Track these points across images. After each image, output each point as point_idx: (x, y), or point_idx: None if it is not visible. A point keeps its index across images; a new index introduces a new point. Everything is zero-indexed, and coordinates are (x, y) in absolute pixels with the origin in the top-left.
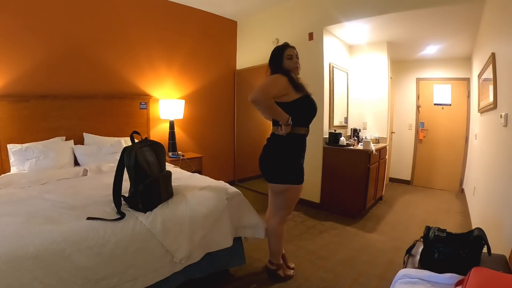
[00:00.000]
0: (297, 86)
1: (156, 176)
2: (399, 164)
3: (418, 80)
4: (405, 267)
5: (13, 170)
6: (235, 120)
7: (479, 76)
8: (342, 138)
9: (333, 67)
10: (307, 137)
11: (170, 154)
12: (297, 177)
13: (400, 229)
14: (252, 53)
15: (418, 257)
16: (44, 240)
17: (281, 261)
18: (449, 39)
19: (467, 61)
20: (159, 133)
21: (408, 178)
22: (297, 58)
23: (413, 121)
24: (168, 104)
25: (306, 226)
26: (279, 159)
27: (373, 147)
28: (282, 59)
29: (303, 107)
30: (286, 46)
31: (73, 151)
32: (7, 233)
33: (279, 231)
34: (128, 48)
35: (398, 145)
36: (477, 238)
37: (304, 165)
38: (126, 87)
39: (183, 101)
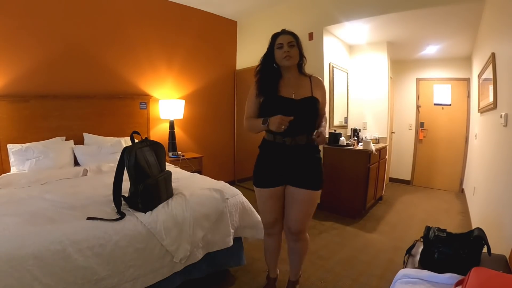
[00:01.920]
0: (260, 89)
1: (156, 176)
2: (399, 164)
3: (418, 80)
4: (405, 267)
5: (13, 170)
6: (235, 120)
7: (479, 76)
8: (342, 138)
9: (333, 67)
10: (284, 145)
11: (170, 154)
12: (256, 179)
13: (400, 229)
14: (252, 53)
15: (418, 257)
16: (44, 240)
17: (275, 275)
18: (449, 39)
19: (467, 61)
20: (159, 133)
21: (408, 178)
22: (291, 45)
23: (413, 121)
24: (168, 104)
25: None
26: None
27: (373, 147)
28: (273, 50)
29: (264, 110)
30: (278, 34)
31: (73, 151)
32: (7, 233)
33: (264, 242)
34: (128, 48)
35: (398, 145)
36: (477, 238)
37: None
38: (126, 87)
39: (183, 101)
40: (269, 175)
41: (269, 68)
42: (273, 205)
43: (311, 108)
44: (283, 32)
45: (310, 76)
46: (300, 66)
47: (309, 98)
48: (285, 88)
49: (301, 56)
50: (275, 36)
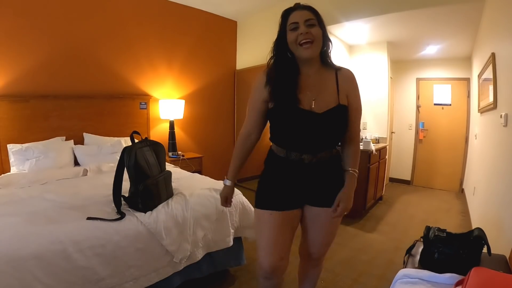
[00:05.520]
0: (274, 94)
1: (156, 176)
2: (399, 164)
3: (418, 80)
4: (405, 267)
5: (13, 170)
6: (235, 120)
7: (479, 76)
8: None
9: None
10: (301, 163)
11: (170, 154)
12: (260, 199)
13: (400, 229)
14: (252, 53)
15: (418, 257)
16: (44, 240)
17: None
18: (449, 39)
19: (467, 61)
20: (159, 133)
21: (408, 178)
22: (310, 25)
23: (413, 121)
24: (168, 104)
25: None
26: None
27: (373, 147)
28: (285, 32)
29: (275, 121)
30: (290, 9)
31: (73, 151)
32: (7, 233)
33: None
34: (128, 48)
35: (398, 145)
36: (477, 238)
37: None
38: (126, 87)
39: (183, 101)
40: (282, 194)
41: (284, 62)
42: (283, 236)
43: (338, 123)
44: (298, 6)
45: (336, 70)
46: (324, 55)
47: (335, 110)
48: (304, 91)
49: (326, 39)
50: (286, 14)
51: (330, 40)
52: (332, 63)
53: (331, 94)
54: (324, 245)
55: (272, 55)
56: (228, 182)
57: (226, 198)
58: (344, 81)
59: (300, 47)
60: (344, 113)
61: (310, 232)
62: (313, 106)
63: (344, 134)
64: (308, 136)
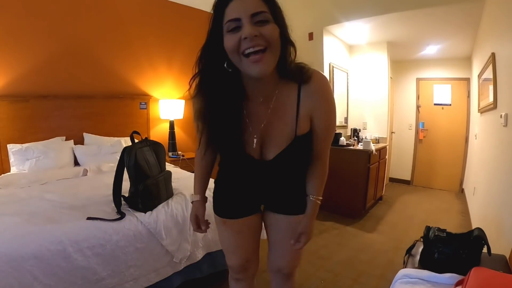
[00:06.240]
0: (211, 132)
1: (156, 176)
2: (399, 164)
3: (418, 80)
4: (405, 267)
5: (13, 170)
6: None
7: (479, 76)
8: (342, 138)
9: (333, 67)
10: (257, 181)
11: (170, 154)
12: (215, 205)
13: (400, 229)
14: None
15: (418, 257)
16: (44, 240)
17: None
18: (449, 39)
19: (467, 61)
20: (159, 133)
21: (408, 178)
22: (261, 23)
23: (413, 121)
24: (168, 104)
25: None
26: None
27: (373, 147)
28: (220, 34)
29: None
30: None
31: (73, 151)
32: (7, 233)
33: None
34: (128, 48)
35: (398, 145)
36: (477, 238)
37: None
38: (126, 87)
39: (183, 101)
40: (235, 202)
41: (219, 82)
42: (244, 242)
43: (296, 159)
44: None
45: (301, 82)
46: (282, 64)
47: (290, 148)
48: (251, 128)
49: (286, 42)
50: (221, 4)
51: (292, 44)
52: (296, 71)
53: (288, 123)
54: (292, 258)
55: (196, 70)
56: (196, 197)
57: (197, 219)
58: (309, 97)
59: (246, 59)
60: (304, 143)
61: (276, 243)
62: (262, 145)
63: (309, 157)
64: (259, 179)
